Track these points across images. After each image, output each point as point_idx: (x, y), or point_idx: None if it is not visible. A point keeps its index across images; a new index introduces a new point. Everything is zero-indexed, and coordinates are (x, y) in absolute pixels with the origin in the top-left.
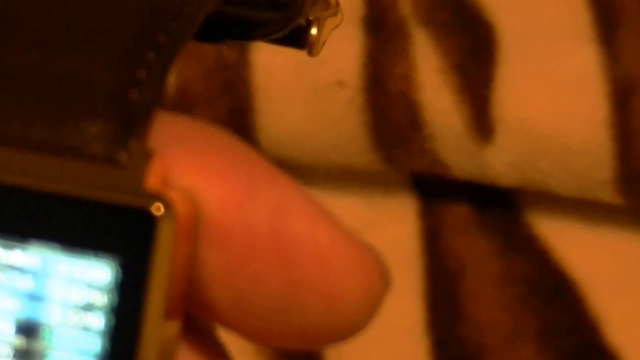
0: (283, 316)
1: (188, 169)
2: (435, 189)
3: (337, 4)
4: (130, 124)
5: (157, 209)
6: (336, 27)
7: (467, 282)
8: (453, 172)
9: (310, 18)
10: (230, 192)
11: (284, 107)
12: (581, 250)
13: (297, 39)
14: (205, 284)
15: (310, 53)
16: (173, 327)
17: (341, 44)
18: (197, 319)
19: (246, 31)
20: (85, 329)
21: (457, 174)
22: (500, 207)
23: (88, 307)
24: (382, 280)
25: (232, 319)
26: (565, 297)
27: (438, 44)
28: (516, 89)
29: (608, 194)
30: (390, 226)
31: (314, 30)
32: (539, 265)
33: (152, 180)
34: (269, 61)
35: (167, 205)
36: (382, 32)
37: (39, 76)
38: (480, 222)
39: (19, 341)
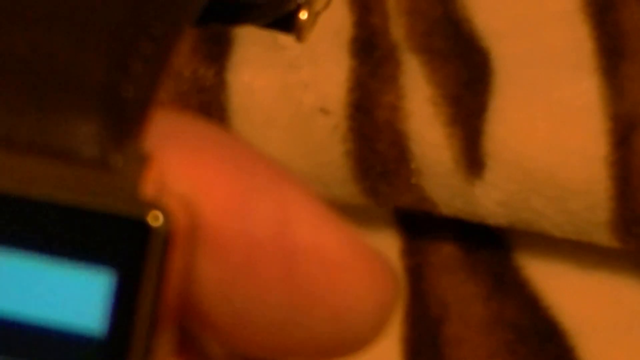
0: (286, 331)
1: (184, 172)
2: (420, 226)
3: None
4: (125, 124)
5: (154, 219)
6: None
7: (451, 326)
8: (440, 209)
9: (300, 1)
10: (229, 197)
11: (264, 131)
12: (574, 296)
13: (286, 23)
14: (202, 297)
15: (299, 38)
16: (168, 340)
17: (327, 67)
18: (192, 334)
19: (236, 15)
20: (75, 342)
21: (444, 211)
22: (489, 247)
23: (78, 318)
24: (392, 290)
25: (230, 335)
26: (554, 346)
27: (430, 72)
28: (511, 122)
29: (604, 237)
30: None
31: (303, 15)
32: (528, 311)
33: (148, 186)
34: (249, 82)
35: (165, 214)
36: (371, 56)
37: (24, 69)
38: (467, 262)
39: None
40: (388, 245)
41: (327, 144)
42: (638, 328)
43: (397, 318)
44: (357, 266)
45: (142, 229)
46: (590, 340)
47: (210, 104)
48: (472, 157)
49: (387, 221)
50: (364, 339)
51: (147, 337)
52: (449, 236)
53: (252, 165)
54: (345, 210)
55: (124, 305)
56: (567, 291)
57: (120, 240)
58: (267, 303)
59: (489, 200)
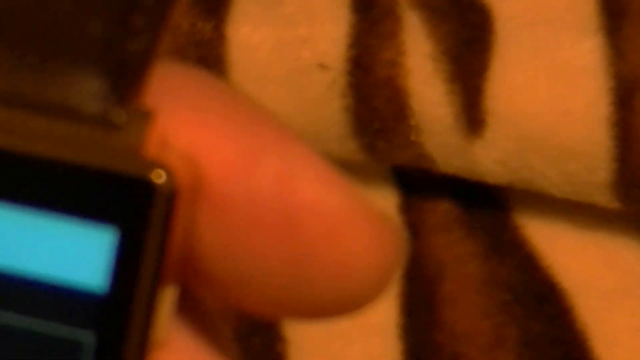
0: (288, 289)
1: (187, 130)
2: (418, 184)
3: None
4: (127, 79)
5: (158, 177)
6: None
7: (447, 285)
8: (439, 166)
9: None
10: (232, 155)
11: (261, 86)
12: (572, 256)
13: None
14: (205, 255)
15: None
16: (169, 297)
17: (326, 23)
18: (193, 292)
19: None
20: (78, 298)
21: (442, 169)
22: (487, 206)
23: (81, 276)
24: (395, 249)
25: (232, 293)
26: (551, 307)
27: (431, 28)
28: (511, 81)
29: (604, 198)
30: None
31: None
32: (525, 270)
33: (151, 144)
34: (247, 37)
35: (168, 172)
36: (371, 12)
37: (24, 26)
38: (464, 221)
39: None
40: (385, 202)
41: (324, 99)
42: (636, 289)
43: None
44: (359, 224)
45: (146, 187)
46: (589, 301)
47: (207, 58)
48: (472, 115)
49: (384, 178)
50: (365, 298)
51: (149, 294)
52: (446, 194)
53: (255, 123)
54: (343, 167)
55: (126, 262)
56: (565, 252)
57: (124, 198)
58: (269, 261)
59: (488, 158)
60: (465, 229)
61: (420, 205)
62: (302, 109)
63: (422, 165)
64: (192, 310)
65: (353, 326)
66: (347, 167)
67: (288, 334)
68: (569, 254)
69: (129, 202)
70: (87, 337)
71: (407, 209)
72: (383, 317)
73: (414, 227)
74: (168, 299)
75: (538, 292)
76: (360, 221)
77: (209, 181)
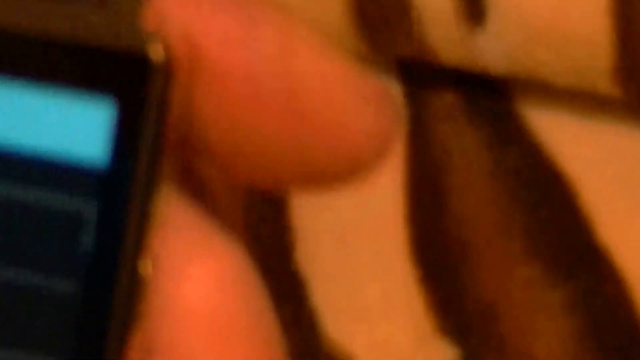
0: (286, 160)
1: (184, 6)
2: (421, 76)
3: None
4: None
5: (155, 50)
6: None
7: (453, 174)
8: (441, 58)
9: None
10: (230, 29)
11: None
12: (574, 143)
13: None
14: (204, 129)
15: None
16: (168, 172)
17: None
18: (192, 165)
19: None
20: (78, 172)
21: (445, 61)
22: (490, 96)
23: (81, 150)
24: (391, 117)
25: (232, 165)
26: (556, 193)
27: None
28: None
29: (605, 86)
30: None
31: None
32: (530, 159)
33: (148, 20)
34: None
35: (165, 47)
36: None
37: None
38: (468, 111)
39: None
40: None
41: None
42: (637, 174)
43: (399, 165)
44: (356, 92)
45: (143, 62)
46: (591, 188)
47: None
48: (474, 6)
49: (388, 70)
50: (363, 164)
51: (149, 166)
52: (450, 86)
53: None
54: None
55: (126, 136)
56: (568, 139)
57: (122, 73)
58: (268, 133)
59: (491, 49)
60: (470, 119)
61: (424, 97)
62: (306, 4)
63: (425, 58)
64: (193, 187)
65: (361, 215)
66: (352, 59)
67: (296, 223)
68: (572, 141)
69: (127, 76)
70: (88, 210)
71: (412, 100)
72: (391, 205)
73: (419, 118)
74: (168, 172)
75: (543, 179)
76: (357, 89)
77: (207, 54)
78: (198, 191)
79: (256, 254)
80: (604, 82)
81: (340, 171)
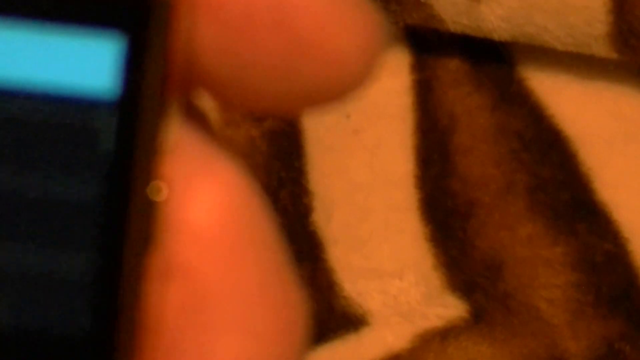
0: (282, 81)
1: None
2: (429, 43)
3: None
4: None
5: None
6: None
7: (459, 136)
8: (447, 25)
9: None
10: None
11: None
12: (575, 105)
13: None
14: (204, 56)
15: None
16: (175, 102)
17: None
18: (194, 100)
19: None
20: (88, 105)
21: (451, 28)
22: (494, 61)
23: (91, 83)
24: (378, 35)
25: (231, 90)
26: (557, 153)
27: None
28: None
29: (603, 49)
30: (383, 79)
31: None
32: (532, 120)
33: None
34: None
35: None
36: None
37: None
38: (473, 76)
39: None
40: (398, 61)
41: None
42: (634, 133)
43: (408, 129)
44: (345, 16)
45: None
46: (592, 147)
47: None
48: None
49: (398, 39)
50: (353, 84)
51: (158, 97)
52: (455, 52)
53: None
54: None
55: (134, 68)
56: (569, 101)
57: (125, 8)
58: (264, 55)
59: (493, 15)
60: (475, 83)
61: (431, 63)
62: None
63: (432, 25)
64: (199, 119)
65: (374, 179)
66: None
67: (313, 187)
68: (572, 103)
69: (131, 9)
70: (101, 139)
71: (420, 66)
72: (401, 168)
73: (427, 83)
74: (175, 104)
75: (545, 139)
76: (347, 12)
77: None
78: (201, 122)
79: (277, 216)
80: (601, 46)
81: (331, 90)
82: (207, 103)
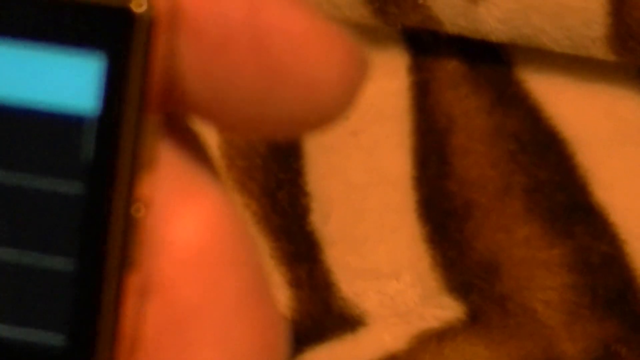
0: (259, 106)
1: None
2: (426, 44)
3: None
4: None
5: (138, 5)
6: None
7: (456, 137)
8: (445, 27)
9: None
10: None
11: None
12: (572, 107)
13: None
14: (182, 76)
15: None
16: (155, 120)
17: None
18: (173, 115)
19: None
20: (70, 122)
21: (449, 30)
22: (491, 62)
23: (71, 101)
24: (359, 66)
25: (209, 111)
26: (554, 154)
27: None
28: None
29: (601, 51)
30: (381, 80)
31: None
32: (529, 122)
33: None
34: None
35: (148, 0)
36: None
37: None
38: (471, 77)
39: None
40: (397, 62)
41: None
42: (631, 136)
43: (406, 130)
44: (323, 44)
45: (128, 15)
46: (589, 149)
47: None
48: None
49: (396, 40)
50: (332, 113)
51: (137, 114)
52: (453, 53)
53: None
54: (356, 30)
55: (114, 86)
56: (566, 103)
57: (107, 26)
58: (241, 80)
59: (491, 17)
60: (472, 84)
61: (429, 64)
62: None
63: (430, 27)
64: (180, 136)
65: (371, 180)
66: (360, 30)
67: (311, 188)
68: (569, 105)
69: (112, 29)
70: (81, 157)
71: (418, 68)
72: (398, 169)
73: (425, 84)
74: (155, 121)
75: (542, 141)
76: (323, 39)
77: (183, 7)
78: (184, 139)
79: (275, 217)
80: (598, 48)
81: (309, 118)
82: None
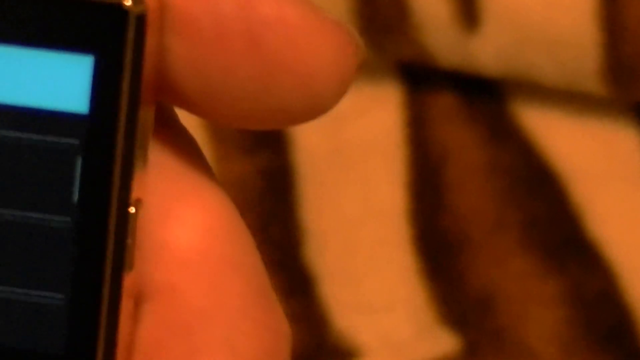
0: (256, 100)
1: None
2: (421, 78)
3: None
4: None
5: (130, 3)
6: None
7: (451, 171)
8: (439, 61)
9: None
10: None
11: None
12: (565, 141)
13: None
14: (176, 73)
15: None
16: (148, 114)
17: None
18: (168, 112)
19: None
20: (64, 122)
21: (443, 64)
22: (485, 97)
23: (65, 101)
24: (354, 55)
25: (204, 106)
26: (548, 189)
27: None
28: None
29: (594, 86)
30: (376, 114)
31: None
32: (522, 156)
33: None
34: None
35: None
36: None
37: None
38: (465, 111)
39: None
40: (391, 95)
41: (330, 3)
42: (625, 170)
43: (401, 163)
44: (319, 35)
45: (118, 13)
46: (582, 184)
47: None
48: (468, 11)
49: (390, 74)
50: (328, 104)
51: (130, 112)
52: (448, 87)
53: None
54: None
55: (108, 85)
56: (558, 137)
57: (98, 25)
58: (236, 74)
59: (485, 52)
60: (466, 119)
61: (423, 98)
62: None
63: (423, 61)
64: (175, 137)
65: (365, 213)
66: None
67: (304, 221)
68: (563, 139)
69: (103, 27)
70: (75, 158)
71: (412, 101)
72: (392, 203)
73: (419, 118)
74: (147, 118)
75: (536, 176)
76: (319, 30)
77: (176, 5)
78: (179, 140)
79: (267, 251)
80: (592, 82)
81: (305, 109)
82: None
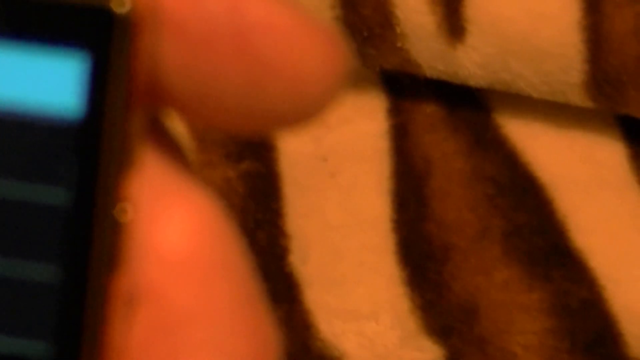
0: (244, 103)
1: None
2: (405, 87)
3: None
4: None
5: (119, 5)
6: None
7: (435, 181)
8: (424, 71)
9: None
10: None
11: None
12: (550, 152)
13: None
14: (166, 77)
15: None
16: (138, 116)
17: None
18: (158, 116)
19: None
20: (53, 125)
21: (427, 73)
22: (470, 107)
23: (55, 103)
24: (341, 58)
25: (192, 109)
26: (532, 199)
27: None
28: None
29: (578, 97)
30: (360, 123)
31: None
32: (507, 166)
33: None
34: None
35: (128, 0)
36: None
37: None
38: (449, 121)
39: None
40: (375, 104)
41: (316, 11)
42: (608, 180)
43: (385, 172)
44: (307, 39)
45: (109, 16)
46: (566, 193)
47: None
48: (453, 21)
49: (374, 83)
50: (317, 108)
51: (120, 115)
52: (432, 97)
53: None
54: None
55: (96, 87)
56: (543, 148)
57: (89, 27)
58: (225, 77)
59: (470, 62)
60: (451, 128)
61: (408, 107)
62: None
63: (408, 70)
64: (161, 139)
65: (350, 221)
66: None
67: (290, 229)
68: (546, 150)
69: (93, 30)
70: (63, 159)
71: (396, 111)
72: (377, 211)
73: (403, 127)
74: (138, 122)
75: (520, 185)
76: (307, 33)
77: (165, 7)
78: (174, 148)
79: (253, 258)
80: (575, 93)
81: (294, 113)
82: (183, 141)
